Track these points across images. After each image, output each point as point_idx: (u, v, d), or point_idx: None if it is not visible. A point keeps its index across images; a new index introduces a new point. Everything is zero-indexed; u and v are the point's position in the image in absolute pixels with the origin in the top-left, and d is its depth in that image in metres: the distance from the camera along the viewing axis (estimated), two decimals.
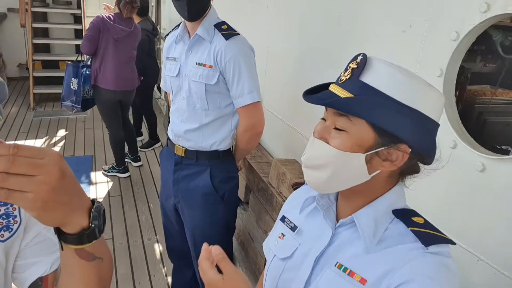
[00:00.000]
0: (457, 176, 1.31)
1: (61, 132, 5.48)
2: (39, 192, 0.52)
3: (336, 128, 0.79)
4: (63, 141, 5.19)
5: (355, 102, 0.76)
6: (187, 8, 1.85)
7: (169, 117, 2.15)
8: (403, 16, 1.55)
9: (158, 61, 5.15)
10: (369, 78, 0.76)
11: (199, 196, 2.01)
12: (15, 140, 5.10)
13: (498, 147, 1.45)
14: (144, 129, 5.40)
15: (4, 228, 0.79)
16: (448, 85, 1.35)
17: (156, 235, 3.43)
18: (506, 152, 1.54)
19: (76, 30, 7.07)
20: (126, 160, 4.45)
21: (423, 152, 0.80)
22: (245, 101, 1.90)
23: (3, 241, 0.78)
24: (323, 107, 0.84)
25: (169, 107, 4.01)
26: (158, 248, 3.29)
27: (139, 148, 5.00)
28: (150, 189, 4.18)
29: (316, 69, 2.21)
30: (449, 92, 1.35)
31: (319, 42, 2.20)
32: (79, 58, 4.08)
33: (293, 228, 0.95)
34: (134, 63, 4.10)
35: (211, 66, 1.89)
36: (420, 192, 1.47)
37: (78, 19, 7.00)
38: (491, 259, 1.22)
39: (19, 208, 0.81)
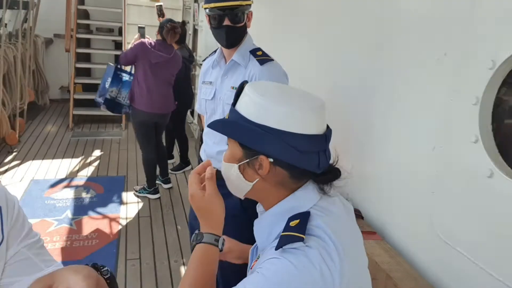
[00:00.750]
0: (495, 207, 1.27)
1: (96, 152, 5.66)
2: None
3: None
4: (98, 161, 5.35)
5: (221, 124, 0.99)
6: (226, 36, 1.93)
7: (201, 140, 2.20)
8: (438, 44, 1.55)
9: (192, 86, 5.29)
10: (238, 104, 0.96)
11: (228, 218, 2.00)
12: (53, 158, 5.30)
13: None
14: (176, 152, 5.50)
15: None
16: (484, 113, 1.33)
17: (182, 258, 3.44)
18: None
19: (116, 55, 7.39)
20: (156, 182, 4.53)
21: (287, 161, 0.92)
22: None
23: None
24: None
25: (201, 130, 4.11)
26: (184, 270, 3.28)
27: (169, 171, 5.10)
28: (179, 212, 4.22)
29: (349, 96, 2.22)
30: (486, 121, 1.33)
31: (352, 69, 2.22)
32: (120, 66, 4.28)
33: None
34: (172, 88, 4.24)
35: None
36: (459, 222, 1.43)
37: (118, 45, 7.32)
38: None
39: (1, 223, 0.82)
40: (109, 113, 6.77)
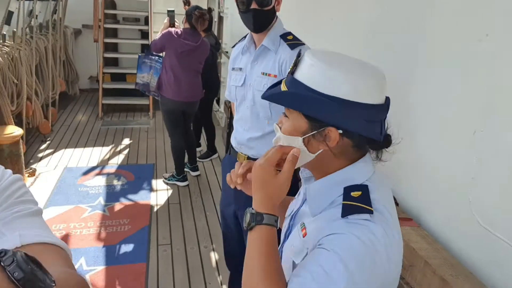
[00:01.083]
0: None
1: (126, 141, 5.77)
2: None
3: (284, 114, 0.97)
4: (127, 149, 5.45)
5: (284, 95, 0.93)
6: (253, 20, 1.90)
7: (228, 127, 2.21)
8: (479, 25, 1.49)
9: (219, 74, 5.29)
10: (298, 74, 0.92)
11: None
12: (85, 147, 5.43)
13: None
14: (203, 140, 5.55)
15: None
16: None
17: (212, 244, 3.49)
18: None
19: (142, 45, 7.47)
20: (185, 169, 4.59)
21: (355, 132, 0.90)
22: None
23: None
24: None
25: (230, 117, 4.13)
26: (214, 256, 3.33)
27: (197, 159, 5.15)
28: (207, 198, 4.27)
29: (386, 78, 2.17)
30: None
31: (385, 52, 2.16)
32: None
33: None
34: (200, 75, 4.27)
35: (275, 76, 1.92)
36: (500, 209, 1.39)
37: (145, 34, 7.39)
38: None
39: None
40: (136, 102, 6.98)
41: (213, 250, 3.41)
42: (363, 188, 0.91)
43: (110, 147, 5.51)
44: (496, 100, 1.42)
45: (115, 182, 4.45)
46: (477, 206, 1.49)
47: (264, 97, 0.97)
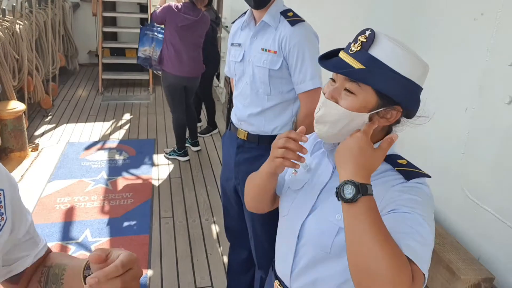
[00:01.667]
0: None
1: (126, 116, 5.81)
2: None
3: (346, 90, 0.95)
4: (128, 125, 5.50)
5: (367, 73, 0.92)
6: None
7: (229, 103, 2.24)
8: (475, 4, 1.52)
9: (219, 49, 5.28)
10: (376, 51, 0.93)
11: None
12: (86, 122, 5.48)
13: None
14: (203, 115, 5.59)
15: None
16: None
17: (213, 216, 3.58)
18: None
19: (141, 18, 7.40)
20: (186, 144, 4.66)
21: (411, 110, 0.99)
22: (306, 87, 1.95)
23: None
24: None
25: (230, 93, 4.16)
26: (215, 228, 3.44)
27: (198, 134, 5.21)
28: (208, 173, 4.35)
29: None
30: None
31: (386, 29, 2.18)
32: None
33: (305, 167, 1.15)
34: (201, 50, 4.29)
35: (275, 52, 1.95)
36: (488, 183, 1.46)
37: (144, 8, 7.32)
38: None
39: (5, 206, 0.82)
40: (136, 77, 6.97)
41: (214, 222, 3.51)
42: (402, 157, 1.02)
43: (111, 122, 5.55)
44: (488, 78, 1.46)
45: (117, 156, 4.52)
46: (466, 179, 1.56)
47: (346, 74, 0.95)
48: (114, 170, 4.22)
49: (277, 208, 2.18)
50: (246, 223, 2.27)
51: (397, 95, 0.94)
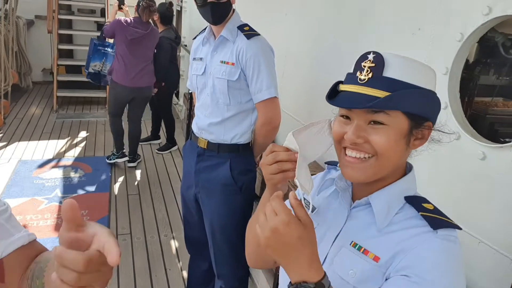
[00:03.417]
0: (461, 165, 1.42)
1: (82, 134, 5.69)
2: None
3: (374, 123, 0.83)
4: (84, 142, 5.38)
5: (396, 98, 0.80)
6: (211, 12, 2.02)
7: (188, 119, 2.29)
8: (413, 20, 1.68)
9: (179, 67, 5.34)
10: (390, 72, 0.82)
11: (219, 186, 2.14)
12: (39, 139, 5.31)
13: (502, 140, 1.55)
14: (162, 133, 5.57)
15: None
16: (453, 82, 1.47)
17: (172, 232, 3.56)
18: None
19: (98, 37, 7.32)
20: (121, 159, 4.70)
21: (435, 121, 0.89)
22: (263, 96, 2.05)
23: None
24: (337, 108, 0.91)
25: (190, 109, 4.19)
26: (174, 244, 3.41)
27: (156, 151, 5.19)
28: (167, 189, 4.32)
29: (330, 72, 2.35)
30: (454, 88, 1.47)
31: (334, 45, 2.34)
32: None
33: (312, 209, 0.99)
34: (151, 63, 4.44)
35: (233, 64, 2.04)
36: (427, 182, 1.58)
37: (101, 26, 7.26)
38: (491, 241, 1.32)
39: None
40: (92, 94, 6.86)
41: (173, 238, 3.49)
42: (428, 200, 0.89)
43: (66, 140, 5.42)
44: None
45: (72, 174, 4.41)
46: None
47: (377, 106, 0.81)
48: (69, 188, 4.11)
49: (241, 215, 2.23)
50: (206, 233, 2.29)
51: (426, 111, 0.85)
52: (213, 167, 2.17)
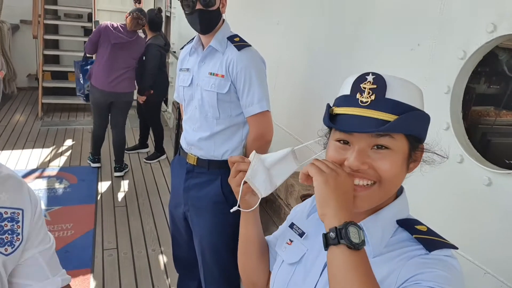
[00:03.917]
0: (464, 190, 1.35)
1: (68, 142, 5.54)
2: None
3: (376, 148, 0.80)
4: (69, 151, 5.24)
5: (405, 121, 0.78)
6: (199, 20, 1.93)
7: (177, 129, 2.21)
8: (412, 35, 1.61)
9: (168, 75, 5.25)
10: (392, 94, 0.79)
11: (209, 204, 2.05)
12: (23, 148, 5.16)
13: (507, 162, 1.49)
14: (150, 141, 5.46)
15: (8, 243, 0.82)
16: (455, 101, 1.40)
17: (160, 247, 3.45)
18: None
19: (85, 42, 7.19)
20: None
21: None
22: (254, 110, 1.96)
23: (6, 255, 0.81)
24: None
25: (179, 118, 4.11)
26: (162, 259, 3.30)
27: (144, 160, 5.07)
28: (155, 201, 4.21)
29: (324, 86, 2.27)
30: (456, 109, 1.40)
31: (328, 58, 2.26)
32: (88, 56, 4.64)
33: (301, 234, 0.98)
34: (133, 71, 4.40)
35: (223, 76, 1.95)
36: (428, 206, 1.51)
37: (88, 31, 7.13)
38: (498, 272, 1.25)
39: (22, 226, 0.84)
40: (79, 101, 6.72)
41: (162, 253, 3.37)
42: (420, 222, 0.86)
43: (50, 148, 5.27)
44: (426, 105, 1.53)
45: (57, 185, 4.27)
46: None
47: (388, 130, 0.78)
48: (53, 200, 3.97)
49: (232, 234, 2.14)
50: (196, 252, 2.20)
51: (423, 132, 0.84)
52: (203, 185, 2.07)
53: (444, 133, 1.42)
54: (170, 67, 6.06)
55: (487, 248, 1.28)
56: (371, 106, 0.79)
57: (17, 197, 0.84)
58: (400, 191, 0.90)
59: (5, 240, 0.80)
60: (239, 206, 0.97)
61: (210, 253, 2.13)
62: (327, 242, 0.72)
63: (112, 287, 2.93)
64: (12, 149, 5.12)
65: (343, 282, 0.69)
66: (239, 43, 2.00)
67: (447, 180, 1.40)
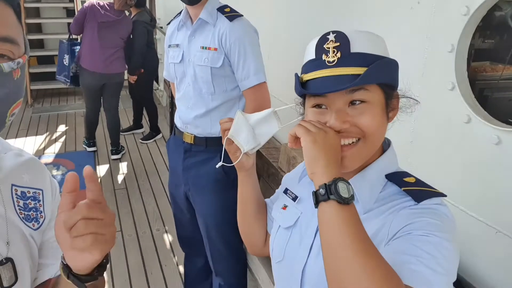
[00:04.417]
0: (473, 151, 1.32)
1: (61, 128, 5.46)
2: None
3: (353, 104, 0.79)
4: (64, 137, 5.17)
5: (375, 71, 0.77)
6: None
7: (171, 107, 2.15)
8: None
9: (156, 52, 5.12)
10: (358, 47, 0.79)
11: (211, 182, 2.01)
12: (16, 137, 5.08)
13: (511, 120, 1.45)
14: (145, 121, 5.38)
15: (34, 219, 0.86)
16: (460, 60, 1.35)
17: (164, 226, 3.44)
18: None
19: (69, 23, 6.99)
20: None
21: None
22: (251, 83, 1.90)
23: (34, 230, 0.85)
24: None
25: (172, 96, 4.03)
26: (168, 238, 3.30)
27: (140, 140, 5.02)
28: (155, 181, 4.18)
29: None
30: (461, 68, 1.35)
31: (323, 23, 2.18)
32: (73, 37, 4.47)
33: (294, 199, 0.99)
34: (122, 50, 4.27)
35: (215, 49, 1.88)
36: (436, 169, 1.48)
37: (71, 12, 6.92)
38: (510, 231, 1.23)
39: (43, 205, 0.88)
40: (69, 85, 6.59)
41: (166, 232, 3.37)
42: (409, 174, 0.86)
43: (44, 135, 5.20)
44: (429, 65, 1.48)
45: (54, 172, 4.23)
46: (416, 168, 1.58)
47: (361, 83, 0.77)
48: None
49: (235, 210, 2.12)
50: (200, 230, 2.18)
51: (395, 79, 0.83)
52: (202, 163, 2.03)
53: (449, 94, 1.37)
54: (158, 44, 5.92)
55: (499, 207, 1.26)
56: (339, 64, 0.78)
57: (38, 178, 0.89)
58: (388, 144, 0.90)
59: (31, 217, 0.84)
60: (228, 163, 1.04)
61: (215, 230, 2.12)
62: (317, 199, 0.72)
63: (120, 269, 2.94)
64: (5, 138, 5.01)
65: (334, 237, 0.68)
66: (231, 14, 1.92)
67: (455, 142, 1.37)
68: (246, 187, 1.07)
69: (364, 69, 0.76)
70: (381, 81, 0.79)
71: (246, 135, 0.94)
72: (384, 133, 0.84)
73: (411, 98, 0.87)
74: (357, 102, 0.79)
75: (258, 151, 2.62)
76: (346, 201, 0.69)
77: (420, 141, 1.55)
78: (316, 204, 0.72)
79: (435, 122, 1.47)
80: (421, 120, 1.53)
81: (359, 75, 0.76)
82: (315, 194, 0.72)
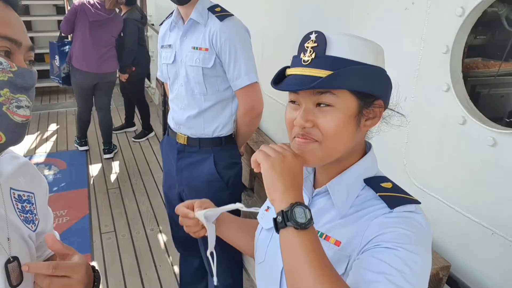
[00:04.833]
0: (468, 152, 1.32)
1: (53, 127, 5.41)
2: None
3: (319, 106, 0.80)
4: (55, 136, 5.12)
5: (339, 76, 0.77)
6: None
7: (163, 106, 2.13)
8: None
9: (147, 50, 5.08)
10: (334, 51, 0.79)
11: (204, 183, 2.00)
12: None
13: (508, 120, 1.46)
14: (137, 119, 5.34)
15: (31, 222, 0.90)
16: (455, 61, 1.34)
17: (158, 226, 3.43)
18: None
19: (58, 21, 6.90)
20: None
21: (388, 98, 0.86)
22: (242, 83, 1.89)
23: (33, 231, 0.89)
24: None
25: (164, 95, 4.01)
26: (162, 238, 3.29)
27: (133, 139, 4.99)
28: (148, 180, 4.16)
29: None
30: (456, 69, 1.34)
31: (316, 21, 2.17)
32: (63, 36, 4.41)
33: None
34: (113, 48, 4.23)
35: (207, 49, 1.87)
36: (432, 170, 1.48)
37: (60, 9, 6.83)
38: (505, 232, 1.24)
39: (36, 208, 0.92)
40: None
41: (160, 232, 3.36)
42: (385, 179, 0.86)
43: (35, 134, 5.14)
44: (424, 66, 1.48)
45: (46, 172, 4.19)
46: (411, 168, 1.58)
47: (317, 86, 0.77)
48: None
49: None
50: None
51: (374, 88, 0.81)
52: (196, 164, 2.02)
53: (444, 95, 1.37)
54: (149, 41, 5.86)
55: (494, 209, 1.27)
56: (311, 64, 0.79)
57: (32, 182, 0.92)
58: (369, 147, 0.90)
59: (29, 219, 0.89)
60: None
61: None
62: (277, 227, 0.73)
63: (114, 270, 2.92)
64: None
65: (293, 263, 0.70)
66: (221, 13, 1.90)
67: (450, 143, 1.37)
68: (227, 234, 1.14)
69: (330, 73, 0.77)
70: (349, 87, 0.78)
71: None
72: (351, 140, 0.82)
73: (394, 111, 0.88)
74: (323, 105, 0.80)
75: (246, 162, 2.58)
76: (303, 226, 0.70)
77: (415, 142, 1.55)
78: (277, 231, 0.74)
79: (430, 123, 1.46)
80: (416, 121, 1.52)
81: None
82: (275, 221, 0.74)
